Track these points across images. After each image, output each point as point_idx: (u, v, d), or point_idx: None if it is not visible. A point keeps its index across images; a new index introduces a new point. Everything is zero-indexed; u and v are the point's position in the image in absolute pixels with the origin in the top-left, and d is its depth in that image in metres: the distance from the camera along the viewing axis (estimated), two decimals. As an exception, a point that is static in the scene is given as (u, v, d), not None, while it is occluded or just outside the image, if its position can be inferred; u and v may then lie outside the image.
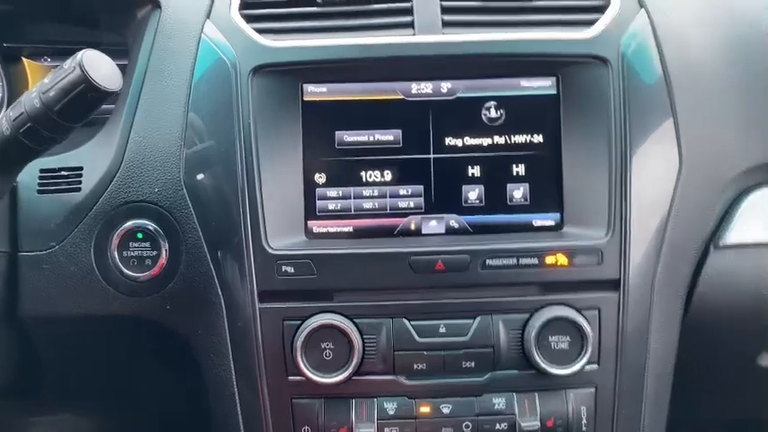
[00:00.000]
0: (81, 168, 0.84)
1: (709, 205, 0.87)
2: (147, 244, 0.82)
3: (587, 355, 0.79)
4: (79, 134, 0.80)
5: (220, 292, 0.82)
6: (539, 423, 0.80)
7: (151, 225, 0.82)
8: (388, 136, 0.83)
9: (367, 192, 0.83)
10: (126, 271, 0.82)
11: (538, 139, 0.84)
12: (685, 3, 0.91)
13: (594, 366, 0.81)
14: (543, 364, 0.79)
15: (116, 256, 0.82)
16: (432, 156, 0.83)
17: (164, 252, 0.82)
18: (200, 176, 0.82)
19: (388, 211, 0.83)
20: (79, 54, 0.66)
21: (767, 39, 0.90)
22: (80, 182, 0.84)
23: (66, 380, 1.01)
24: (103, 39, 1.00)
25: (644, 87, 0.84)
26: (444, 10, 0.85)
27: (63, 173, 0.84)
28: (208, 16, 0.87)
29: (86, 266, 0.83)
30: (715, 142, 0.87)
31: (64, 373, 1.00)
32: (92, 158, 0.85)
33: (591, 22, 0.84)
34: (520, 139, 0.83)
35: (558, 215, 0.83)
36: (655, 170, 0.83)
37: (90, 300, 0.84)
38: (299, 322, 0.80)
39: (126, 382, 1.02)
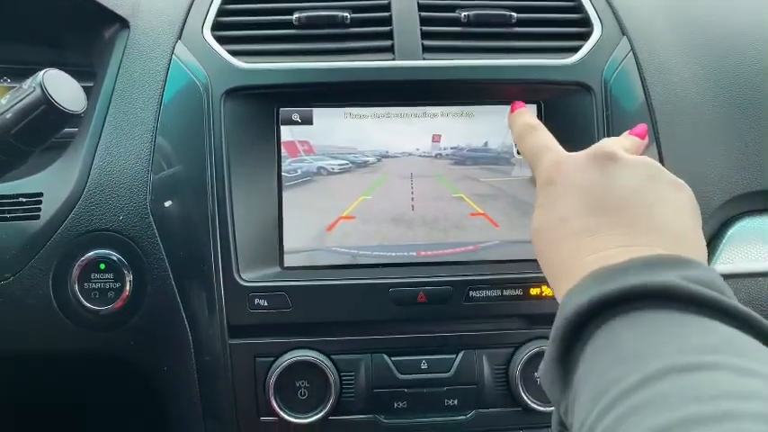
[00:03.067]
0: (40, 195, 0.79)
1: (693, 235, 0.85)
2: (110, 275, 0.77)
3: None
4: (39, 158, 0.76)
5: (188, 327, 0.77)
6: (525, 463, 0.77)
7: (114, 255, 0.77)
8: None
9: (345, 221, 0.80)
10: (87, 304, 0.77)
11: (521, 168, 0.82)
12: (667, 32, 0.91)
13: (581, 403, 0.78)
14: (529, 401, 0.76)
15: (76, 288, 0.77)
16: (413, 186, 0.80)
17: (127, 284, 0.77)
18: (168, 204, 0.78)
19: (367, 240, 0.80)
20: (40, 74, 0.62)
21: (749, 70, 0.90)
22: (39, 209, 0.78)
23: (22, 420, 0.94)
24: (67, 59, 0.96)
25: (627, 115, 0.83)
26: (425, 35, 0.83)
27: (21, 199, 0.79)
28: (179, 37, 0.83)
29: (44, 299, 0.77)
30: (698, 171, 0.86)
31: (18, 412, 0.93)
32: (52, 184, 0.80)
33: (574, 49, 0.83)
34: (501, 169, 0.81)
35: (541, 245, 0.81)
36: (639, 199, 0.81)
37: (47, 335, 0.78)
38: (273, 359, 0.75)
39: (84, 422, 0.96)
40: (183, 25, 0.84)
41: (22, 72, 1.01)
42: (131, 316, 0.78)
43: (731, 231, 0.87)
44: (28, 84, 0.62)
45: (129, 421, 0.98)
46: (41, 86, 0.61)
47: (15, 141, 0.62)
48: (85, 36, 0.88)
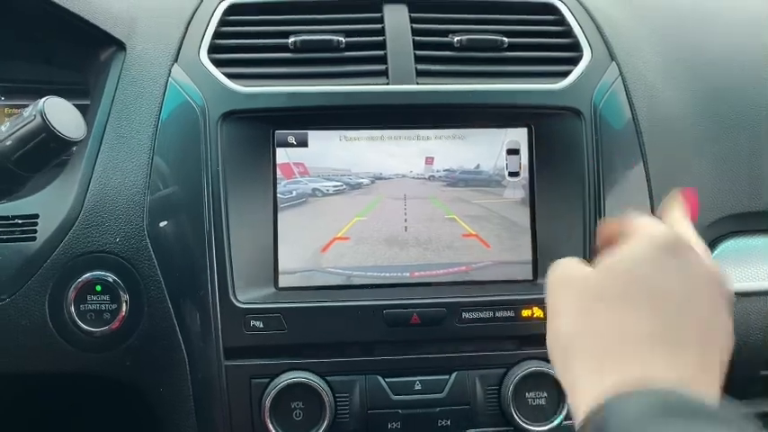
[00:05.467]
0: (37, 216, 0.79)
1: (680, 255, 0.87)
2: (107, 297, 0.78)
3: (565, 411, 0.78)
4: (35, 179, 0.76)
5: (184, 348, 0.78)
6: (517, 482, 0.78)
7: (111, 277, 0.78)
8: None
9: (340, 243, 0.81)
10: (83, 325, 0.77)
11: (512, 190, 0.83)
12: (654, 56, 0.93)
13: (572, 422, 0.80)
14: (521, 422, 0.77)
15: (72, 309, 0.77)
16: (407, 207, 0.82)
17: (124, 305, 0.78)
18: (164, 225, 0.79)
19: (362, 262, 0.81)
20: (40, 101, 0.62)
21: (735, 94, 0.93)
22: (35, 230, 0.79)
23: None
24: (60, 78, 0.96)
25: (616, 138, 0.85)
26: (418, 59, 0.84)
27: (17, 221, 0.79)
28: (175, 59, 0.84)
29: (39, 320, 0.78)
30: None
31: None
32: (49, 205, 0.80)
33: (564, 74, 0.85)
34: (493, 191, 0.83)
35: (532, 267, 0.83)
36: (628, 221, 0.83)
37: (44, 356, 0.78)
38: (268, 380, 0.76)
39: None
40: (180, 48, 0.85)
41: (15, 90, 1.02)
42: (127, 337, 0.78)
43: (717, 251, 0.89)
44: (29, 111, 0.63)
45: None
46: (42, 114, 0.62)
47: (15, 168, 0.63)
48: (81, 57, 0.89)
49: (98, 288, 0.78)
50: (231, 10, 0.88)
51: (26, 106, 0.93)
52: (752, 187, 0.91)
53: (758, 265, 0.92)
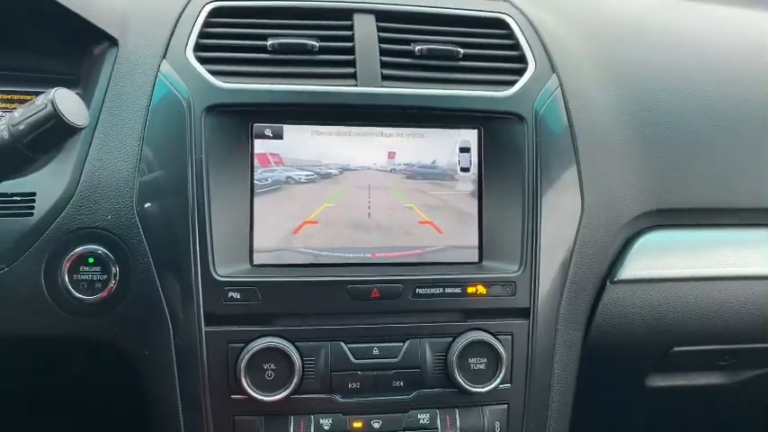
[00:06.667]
0: (34, 194, 0.87)
1: (606, 245, 1.00)
2: (98, 268, 0.86)
3: (501, 375, 0.89)
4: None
5: (168, 316, 0.87)
6: (459, 437, 0.90)
7: (102, 250, 0.86)
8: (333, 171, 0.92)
9: (309, 225, 0.91)
10: (75, 293, 0.86)
11: (463, 184, 0.94)
12: (591, 69, 1.05)
13: (507, 385, 0.92)
14: (463, 383, 0.88)
15: (66, 279, 0.85)
16: (370, 196, 0.92)
17: (113, 276, 0.86)
18: (152, 206, 0.87)
19: (329, 242, 0.91)
20: (51, 92, 0.71)
21: (658, 105, 1.05)
22: (33, 207, 0.87)
23: (9, 399, 1.01)
24: (53, 68, 1.02)
25: (553, 141, 0.96)
26: (384, 65, 0.94)
27: (15, 198, 0.87)
28: (164, 56, 0.92)
29: (36, 288, 0.86)
30: (612, 191, 1.00)
31: (8, 392, 1.00)
32: (45, 185, 0.88)
33: (510, 83, 0.96)
34: (446, 184, 0.94)
35: (477, 251, 0.94)
36: (561, 214, 0.95)
37: (38, 321, 0.86)
38: (243, 344, 0.86)
39: (70, 400, 1.04)
40: (168, 45, 0.93)
41: (8, 78, 1.08)
42: (116, 305, 0.87)
43: (638, 243, 1.02)
44: (40, 100, 0.70)
45: (113, 406, 1.06)
46: (53, 104, 0.70)
47: (26, 149, 0.71)
48: (75, 50, 0.96)
49: (90, 260, 0.86)
50: (215, 12, 0.96)
51: (19, 93, 1.01)
52: (674, 186, 1.04)
53: (677, 255, 1.06)
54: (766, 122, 1.10)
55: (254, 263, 0.89)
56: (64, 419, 1.10)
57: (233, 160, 0.90)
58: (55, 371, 0.97)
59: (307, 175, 0.92)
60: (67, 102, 0.72)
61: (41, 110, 0.70)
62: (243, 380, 0.85)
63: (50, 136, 0.71)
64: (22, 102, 0.89)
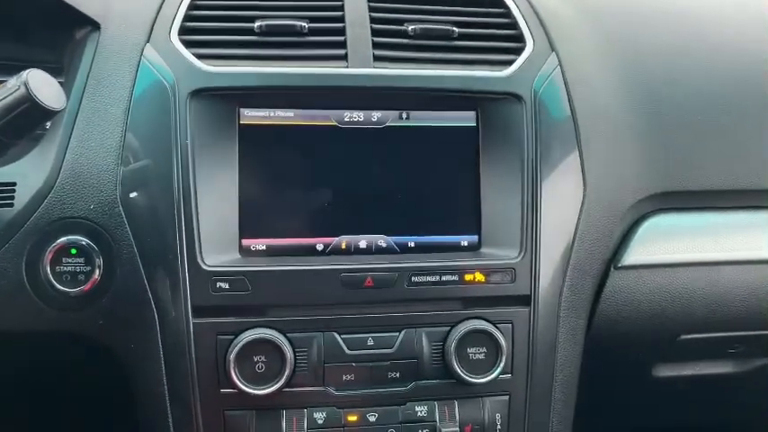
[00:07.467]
0: (14, 184, 0.84)
1: (609, 230, 0.96)
2: (81, 259, 0.83)
3: (501, 365, 0.86)
4: (12, 149, 0.81)
5: (154, 308, 0.84)
6: (458, 429, 0.87)
7: (85, 241, 0.83)
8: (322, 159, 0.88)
9: (300, 212, 0.88)
10: (58, 286, 0.83)
11: (459, 167, 0.91)
12: (591, 47, 1.02)
13: (508, 375, 0.88)
14: (462, 374, 0.85)
15: (48, 271, 0.82)
16: (361, 179, 0.89)
17: (97, 268, 0.83)
18: (136, 194, 0.84)
19: (320, 230, 0.88)
20: (24, 73, 0.68)
21: (662, 86, 1.02)
22: (13, 197, 0.83)
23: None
24: (35, 55, 1.00)
25: (553, 122, 0.93)
26: (375, 45, 0.91)
27: (-5, 188, 0.84)
28: (148, 40, 0.89)
29: (17, 281, 0.83)
30: (615, 174, 0.97)
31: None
32: (26, 174, 0.85)
33: (508, 62, 0.93)
34: (443, 166, 0.90)
35: (476, 236, 0.91)
36: (562, 197, 0.92)
37: (20, 316, 0.83)
38: (233, 337, 0.83)
39: (54, 397, 1.01)
40: (152, 29, 0.90)
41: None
42: (101, 297, 0.84)
43: (642, 227, 0.99)
44: (12, 82, 0.68)
45: (99, 402, 1.04)
46: (26, 85, 0.67)
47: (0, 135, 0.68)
48: (57, 35, 0.93)
49: (73, 251, 0.83)
50: (201, -6, 0.93)
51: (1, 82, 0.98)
52: (680, 168, 1.01)
53: (682, 239, 1.02)
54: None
55: (244, 251, 0.86)
56: (48, 418, 1.07)
57: (220, 146, 0.87)
58: (38, 368, 0.94)
59: (296, 161, 0.89)
60: (42, 83, 0.69)
61: (14, 92, 0.67)
62: (232, 373, 0.82)
63: (25, 120, 0.68)
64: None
